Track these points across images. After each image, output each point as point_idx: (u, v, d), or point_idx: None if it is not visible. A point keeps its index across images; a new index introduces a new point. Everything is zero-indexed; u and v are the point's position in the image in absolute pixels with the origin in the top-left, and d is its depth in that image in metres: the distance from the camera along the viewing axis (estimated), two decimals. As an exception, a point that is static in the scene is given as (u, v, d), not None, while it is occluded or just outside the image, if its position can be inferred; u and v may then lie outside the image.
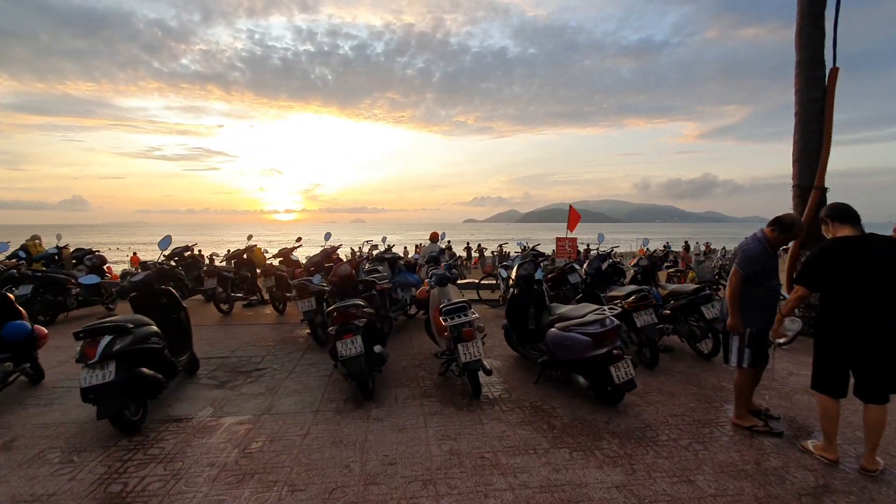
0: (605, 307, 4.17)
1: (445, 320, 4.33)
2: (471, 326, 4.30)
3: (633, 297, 5.19)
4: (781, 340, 3.64)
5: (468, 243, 35.67)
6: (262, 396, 4.53)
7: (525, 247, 9.75)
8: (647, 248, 7.42)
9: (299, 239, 10.21)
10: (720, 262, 7.99)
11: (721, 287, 7.70)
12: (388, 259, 7.86)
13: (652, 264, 6.82)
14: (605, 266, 6.51)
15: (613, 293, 5.72)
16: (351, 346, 4.15)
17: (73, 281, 8.11)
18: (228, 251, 10.39)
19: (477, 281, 9.73)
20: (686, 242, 37.61)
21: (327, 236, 9.03)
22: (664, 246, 34.10)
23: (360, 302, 4.68)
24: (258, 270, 9.45)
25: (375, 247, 9.32)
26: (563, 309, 4.66)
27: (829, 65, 6.98)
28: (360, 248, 9.45)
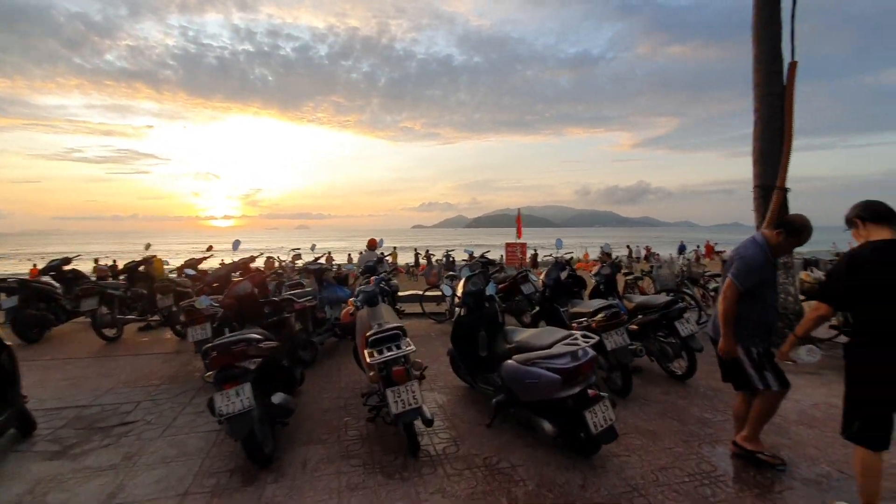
0: (577, 333, 3.27)
1: (372, 354, 3.26)
2: (404, 363, 3.25)
3: (601, 315, 4.36)
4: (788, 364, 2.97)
5: (416, 250, 34.45)
6: (111, 471, 3.22)
7: (472, 254, 8.83)
8: (608, 254, 6.73)
9: (210, 248, 8.70)
10: (682, 269, 7.46)
11: (686, 297, 7.16)
12: (313, 271, 6.64)
13: (613, 272, 6.10)
14: (564, 276, 5.69)
15: (577, 309, 4.88)
16: (234, 400, 2.97)
17: None
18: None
19: (420, 293, 8.69)
20: (628, 247, 38.67)
21: (235, 245, 7.60)
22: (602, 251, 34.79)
23: (255, 334, 3.49)
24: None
25: (299, 256, 8.04)
26: (524, 334, 3.72)
27: (787, 59, 6.64)
28: (279, 257, 8.14)
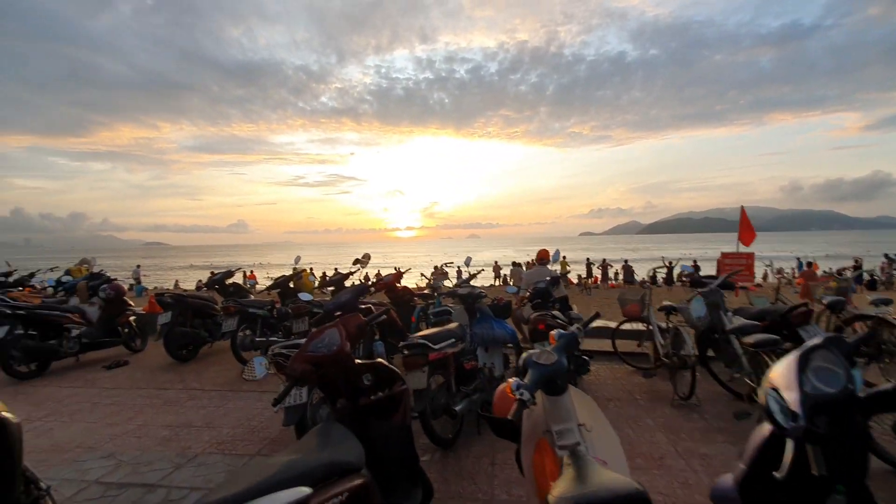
0: None
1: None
2: None
3: None
4: None
5: (588, 259, 30.01)
6: None
7: (696, 265, 5.90)
8: None
9: (366, 258, 7.22)
10: None
11: None
12: (462, 296, 4.75)
13: None
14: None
15: None
16: None
17: (76, 317, 6.45)
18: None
19: (613, 326, 6.13)
20: (886, 255, 28.16)
21: (468, 261, 6.91)
22: (855, 262, 25.66)
23: (310, 454, 1.64)
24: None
25: (444, 273, 6.30)
26: None
27: None
28: (431, 274, 6.55)
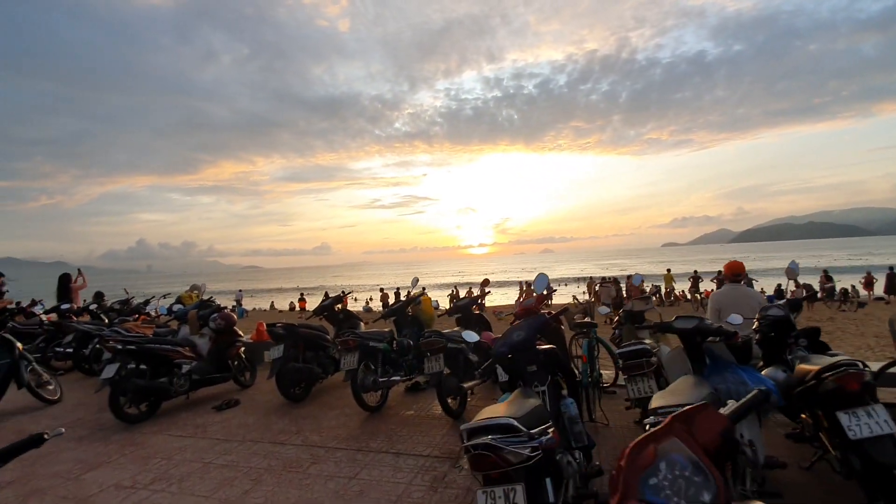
0: None
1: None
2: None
3: None
4: None
5: (695, 272, 25.23)
6: None
7: None
8: None
9: (487, 282, 6.26)
10: None
11: None
12: (682, 330, 3.24)
13: None
14: None
15: None
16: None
17: (187, 351, 5.85)
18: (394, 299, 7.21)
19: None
20: None
21: (637, 279, 7.00)
22: None
23: None
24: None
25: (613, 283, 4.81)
26: None
27: None
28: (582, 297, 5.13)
